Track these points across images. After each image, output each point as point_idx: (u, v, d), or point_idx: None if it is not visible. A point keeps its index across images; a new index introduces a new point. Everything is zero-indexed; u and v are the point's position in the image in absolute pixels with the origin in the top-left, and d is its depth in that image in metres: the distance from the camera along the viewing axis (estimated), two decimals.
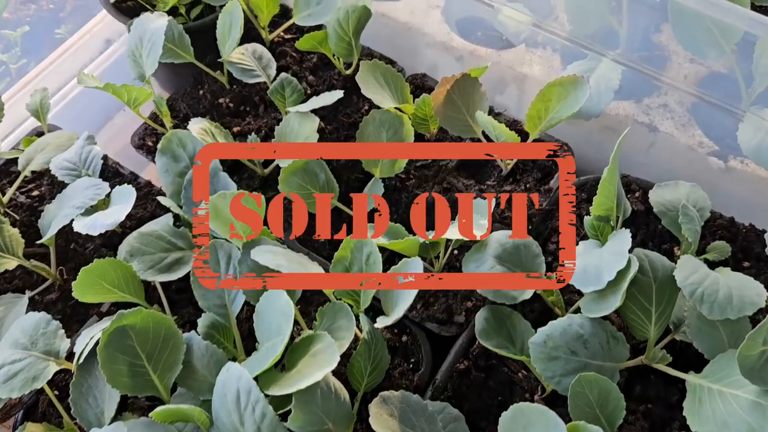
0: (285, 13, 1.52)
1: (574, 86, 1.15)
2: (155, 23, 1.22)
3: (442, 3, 1.50)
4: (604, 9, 1.27)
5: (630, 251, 0.96)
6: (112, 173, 1.32)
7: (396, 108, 1.21)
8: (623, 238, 0.99)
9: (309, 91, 1.39)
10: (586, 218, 1.08)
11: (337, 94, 1.17)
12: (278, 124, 1.34)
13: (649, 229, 1.23)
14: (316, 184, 1.17)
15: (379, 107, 1.20)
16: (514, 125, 1.35)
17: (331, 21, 1.28)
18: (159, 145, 1.16)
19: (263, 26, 1.41)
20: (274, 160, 1.25)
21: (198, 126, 1.14)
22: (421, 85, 1.42)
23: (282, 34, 1.46)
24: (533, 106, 1.18)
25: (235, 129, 1.35)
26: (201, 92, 1.41)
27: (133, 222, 1.24)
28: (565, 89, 1.15)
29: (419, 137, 1.32)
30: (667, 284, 0.98)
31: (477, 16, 1.45)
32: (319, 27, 1.33)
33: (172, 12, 1.38)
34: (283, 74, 1.28)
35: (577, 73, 1.30)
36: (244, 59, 1.29)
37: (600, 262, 0.98)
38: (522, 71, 1.40)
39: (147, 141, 1.35)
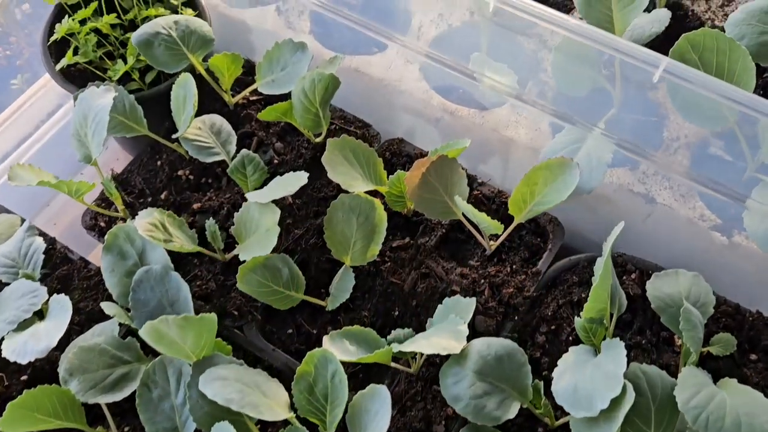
0: (250, 70, 1.41)
1: (563, 170, 1.04)
2: (100, 100, 1.10)
3: (420, 57, 1.38)
4: (596, 76, 1.16)
5: (627, 357, 0.86)
6: (60, 259, 1.21)
7: (368, 192, 1.10)
8: (617, 353, 0.89)
9: (276, 160, 1.28)
10: (577, 320, 0.98)
11: (301, 179, 1.06)
12: (242, 200, 1.23)
13: (647, 316, 1.13)
14: (279, 281, 1.06)
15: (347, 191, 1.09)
16: (499, 196, 1.24)
17: (296, 91, 1.16)
18: (105, 240, 1.04)
19: (225, 89, 1.29)
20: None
21: (146, 221, 1.02)
22: (397, 151, 1.30)
23: (247, 95, 1.35)
24: (518, 190, 1.07)
25: (195, 206, 1.24)
26: (159, 163, 1.30)
27: (81, 317, 1.13)
28: (553, 173, 1.04)
29: (396, 215, 1.21)
30: (668, 404, 0.88)
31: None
32: (285, 96, 1.22)
33: (126, 77, 1.26)
34: (243, 151, 1.16)
35: (566, 143, 1.19)
36: (200, 135, 1.18)
37: (592, 385, 0.87)
38: (507, 134, 1.29)
39: (99, 221, 1.23)
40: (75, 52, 1.27)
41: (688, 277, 1.04)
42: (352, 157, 1.14)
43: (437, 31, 1.37)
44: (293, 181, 1.05)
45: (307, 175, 1.08)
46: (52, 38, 1.25)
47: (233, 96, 1.32)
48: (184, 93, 1.15)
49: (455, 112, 1.33)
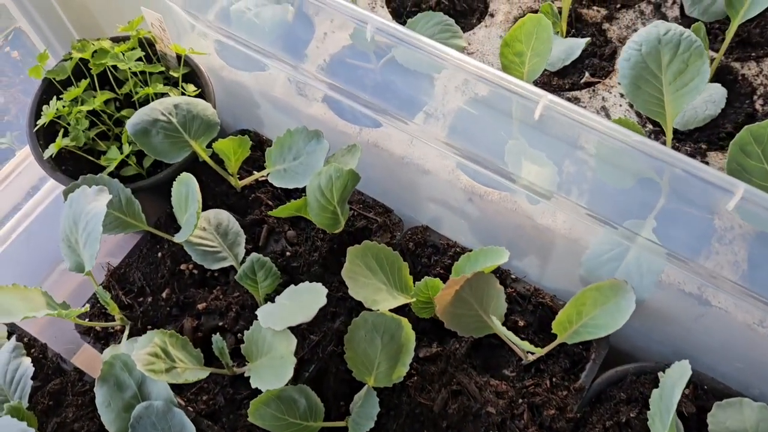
0: (258, 145, 1.29)
1: (615, 292, 0.92)
2: (93, 205, 0.98)
3: (446, 131, 1.26)
4: (644, 169, 1.03)
5: None
6: (52, 370, 1.10)
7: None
8: None
9: (289, 251, 1.16)
10: None
11: (319, 297, 0.94)
12: (252, 300, 1.12)
13: None
14: (296, 413, 0.95)
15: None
16: (535, 295, 1.13)
17: (311, 187, 1.04)
18: (100, 371, 0.93)
19: (231, 173, 1.17)
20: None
21: (144, 352, 0.91)
22: (422, 241, 1.19)
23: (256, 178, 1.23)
24: (564, 312, 0.95)
25: (200, 306, 1.12)
26: (159, 255, 1.18)
27: None
28: (603, 294, 0.93)
29: (421, 321, 1.09)
30: None
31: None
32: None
33: (122, 164, 1.14)
34: (253, 256, 1.04)
35: (611, 244, 1.07)
36: (205, 239, 1.06)
37: None
38: (543, 223, 1.17)
39: (94, 326, 1.12)
40: (65, 133, 1.15)
41: (755, 410, 0.93)
42: (375, 265, 1.02)
43: (462, 112, 1.25)
44: (311, 302, 0.93)
45: (326, 292, 0.96)
46: (39, 123, 1.13)
47: (240, 178, 1.20)
48: (186, 192, 1.03)
49: (485, 196, 1.20)
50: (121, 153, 1.12)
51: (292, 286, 1.01)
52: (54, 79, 1.19)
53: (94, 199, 1.00)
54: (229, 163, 1.16)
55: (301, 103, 1.31)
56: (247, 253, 1.10)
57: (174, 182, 1.05)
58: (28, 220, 1.36)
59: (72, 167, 1.19)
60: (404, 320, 0.97)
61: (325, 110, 1.31)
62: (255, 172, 1.26)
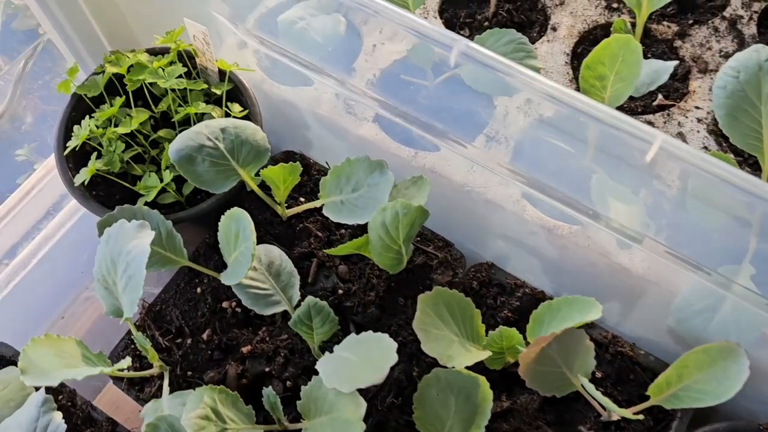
0: (305, 169, 1.18)
1: (725, 356, 0.82)
2: (134, 243, 0.88)
3: (509, 156, 1.16)
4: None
5: None
6: (81, 420, 0.99)
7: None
8: None
9: (341, 289, 1.06)
10: None
11: (389, 354, 0.84)
12: (302, 344, 1.02)
13: None
14: None
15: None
16: (614, 344, 1.03)
17: (374, 224, 0.94)
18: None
19: (279, 201, 1.07)
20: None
21: (194, 415, 0.80)
22: (487, 280, 1.08)
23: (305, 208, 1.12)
24: (663, 376, 0.85)
25: (245, 349, 1.02)
26: (198, 290, 1.07)
27: None
28: (711, 357, 0.82)
29: (489, 371, 0.99)
30: None
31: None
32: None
33: (160, 190, 1.03)
34: (309, 300, 0.94)
35: (705, 292, 0.97)
36: (256, 280, 0.95)
37: None
38: (619, 261, 1.06)
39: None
40: (98, 155, 1.04)
41: None
42: (446, 314, 0.92)
43: (527, 135, 1.15)
44: (380, 359, 0.83)
45: (396, 346, 0.85)
46: (70, 145, 1.02)
47: (287, 206, 1.10)
48: (236, 229, 0.92)
49: (554, 230, 1.10)
50: (161, 181, 1.01)
51: (353, 335, 0.90)
52: (85, 95, 1.08)
53: (135, 237, 0.89)
54: (278, 191, 1.05)
55: (350, 123, 1.21)
56: None
57: (222, 217, 0.94)
58: (49, 244, 1.26)
59: (103, 192, 1.09)
60: (482, 379, 0.87)
61: (376, 131, 1.21)
62: (302, 199, 1.15)
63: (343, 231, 1.13)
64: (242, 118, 1.07)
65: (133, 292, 0.86)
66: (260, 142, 1.01)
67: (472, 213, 1.15)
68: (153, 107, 1.11)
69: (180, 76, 1.04)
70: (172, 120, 1.07)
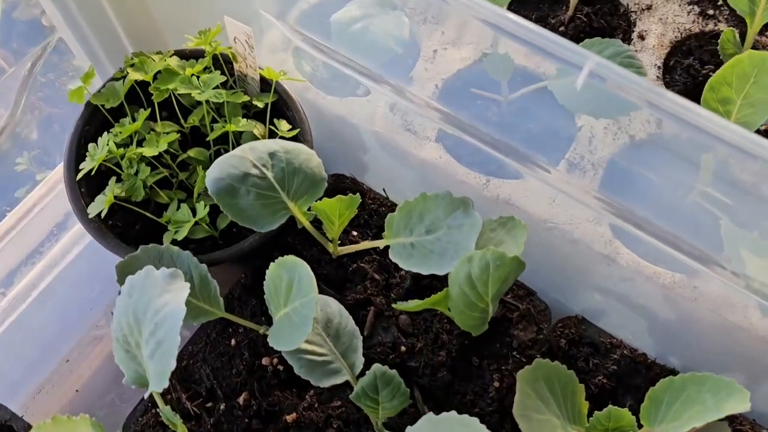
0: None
1: None
2: (166, 299, 0.70)
3: (596, 186, 0.98)
4: None
5: None
6: None
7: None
8: None
9: (403, 346, 0.88)
10: None
11: None
12: (358, 413, 0.85)
13: None
14: None
15: None
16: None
17: (456, 276, 0.76)
18: None
19: (331, 238, 0.89)
20: None
21: None
22: (577, 338, 0.91)
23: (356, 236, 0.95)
24: None
25: (289, 417, 0.85)
26: (233, 343, 0.90)
27: None
28: None
29: None
30: None
31: None
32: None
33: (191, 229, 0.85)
34: (376, 368, 0.77)
35: None
36: (311, 342, 0.78)
37: None
38: (733, 320, 0.89)
39: None
40: (118, 179, 0.86)
41: None
42: (547, 392, 0.74)
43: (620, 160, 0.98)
44: None
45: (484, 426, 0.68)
46: (83, 169, 0.84)
47: (340, 243, 0.92)
48: (289, 279, 0.75)
49: (653, 277, 0.93)
50: (193, 213, 0.83)
51: (431, 416, 0.73)
52: (102, 106, 0.90)
53: (166, 289, 0.72)
54: (330, 227, 0.88)
55: (409, 142, 1.03)
56: None
57: (273, 265, 0.77)
58: (52, 273, 1.08)
59: (121, 222, 0.91)
60: None
61: (440, 152, 1.03)
62: (354, 233, 0.98)
63: (403, 272, 0.95)
64: (291, 138, 0.90)
65: (164, 362, 0.69)
66: (315, 171, 0.83)
67: (556, 255, 0.97)
68: (182, 121, 0.93)
69: (218, 87, 0.86)
70: (207, 139, 0.89)
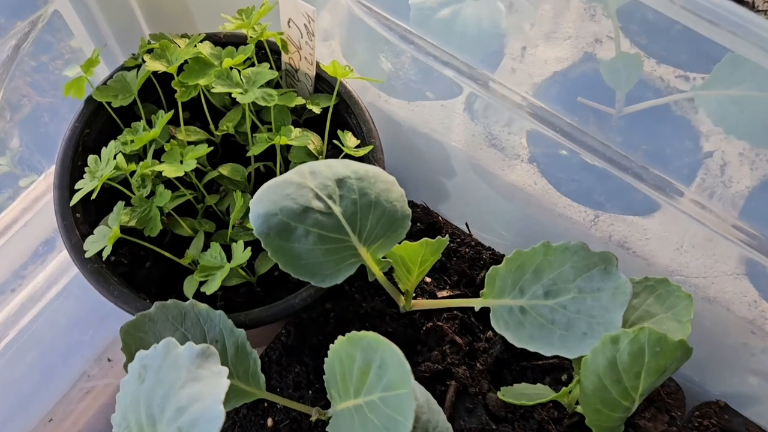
0: (433, 232, 0.79)
1: None
2: (196, 391, 0.48)
3: (735, 217, 0.77)
4: None
5: None
6: None
7: None
8: None
9: None
10: None
11: None
12: None
13: None
14: None
15: None
16: None
17: (594, 363, 0.55)
18: None
19: (406, 290, 0.67)
20: None
21: None
22: (719, 430, 0.70)
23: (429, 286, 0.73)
24: None
25: None
26: (270, 422, 0.68)
27: None
28: None
29: None
30: None
31: None
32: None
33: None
34: None
35: None
36: None
37: None
38: None
39: None
40: (126, 203, 0.64)
41: None
42: None
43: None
44: None
45: None
46: (80, 191, 0.62)
47: (408, 300, 0.70)
48: (364, 362, 0.53)
49: None
50: (228, 259, 0.61)
51: None
52: (108, 104, 0.67)
53: (194, 376, 0.50)
54: (406, 276, 0.66)
55: (495, 162, 0.81)
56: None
57: (341, 341, 0.55)
58: (35, 307, 0.86)
59: (126, 258, 0.69)
60: None
61: (534, 176, 0.81)
62: (427, 279, 0.76)
63: (490, 333, 0.74)
64: (361, 157, 0.67)
65: None
66: (397, 206, 0.61)
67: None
68: (211, 126, 0.71)
69: (268, 84, 0.64)
70: (248, 155, 0.67)
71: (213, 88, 0.63)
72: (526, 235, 0.80)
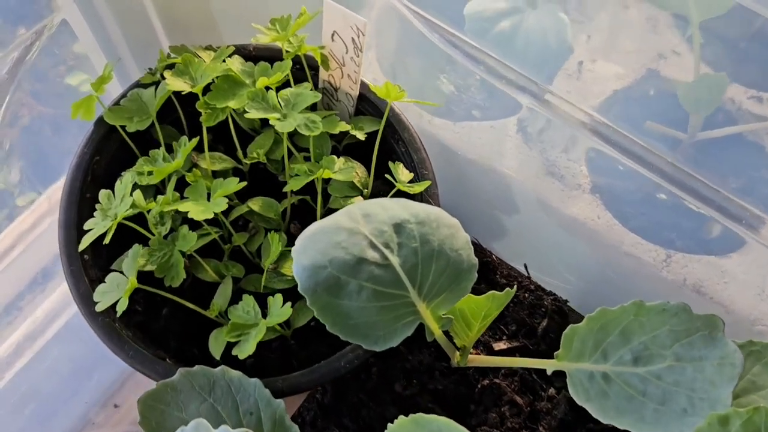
0: (485, 273, 0.70)
1: None
2: None
3: None
4: None
5: None
6: None
7: None
8: None
9: None
10: None
11: None
12: None
13: None
14: None
15: None
16: None
17: None
18: None
19: (463, 345, 0.59)
20: None
21: None
22: None
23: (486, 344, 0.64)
24: None
25: None
26: None
27: None
28: None
29: None
30: None
31: None
32: None
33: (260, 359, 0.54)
34: None
35: None
36: None
37: None
38: None
39: None
40: (141, 242, 0.55)
41: None
42: None
43: None
44: None
45: None
46: (89, 233, 0.52)
47: (463, 356, 0.61)
48: None
49: None
50: (264, 315, 0.52)
51: None
52: (122, 128, 0.58)
53: None
54: (464, 332, 0.57)
55: (553, 192, 0.73)
56: None
57: (403, 422, 0.46)
58: (31, 348, 0.77)
59: (141, 304, 0.60)
60: None
61: (597, 209, 0.72)
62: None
63: (553, 391, 0.65)
64: (415, 194, 0.58)
65: None
66: (463, 255, 0.52)
67: None
68: (239, 152, 0.62)
69: (312, 108, 0.55)
70: (285, 189, 0.58)
71: (250, 113, 0.53)
72: (592, 278, 0.71)
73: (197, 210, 0.51)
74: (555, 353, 0.55)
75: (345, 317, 0.50)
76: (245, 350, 0.50)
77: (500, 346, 0.65)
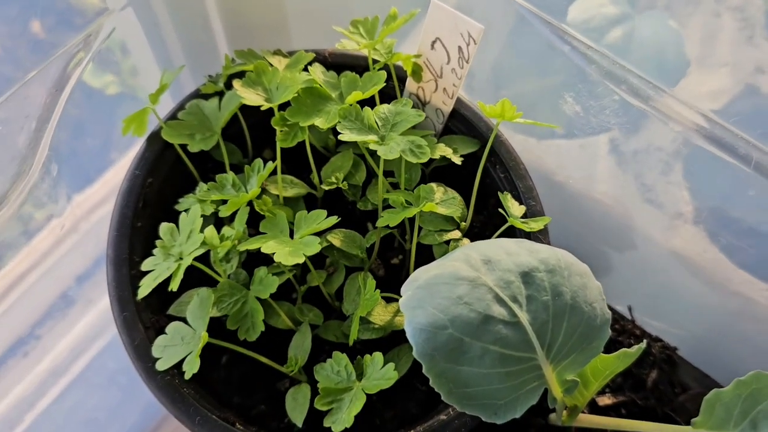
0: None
1: None
2: None
3: None
4: None
5: None
6: None
7: None
8: None
9: None
10: None
11: None
12: None
13: None
14: None
15: None
16: None
17: None
18: None
19: (575, 406, 0.50)
20: None
21: None
22: None
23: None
24: None
25: None
26: None
27: None
28: None
29: None
30: None
31: None
32: None
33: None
34: None
35: None
36: None
37: None
38: None
39: None
40: (203, 280, 0.46)
41: None
42: None
43: None
44: None
45: None
46: (150, 281, 0.43)
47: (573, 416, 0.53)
48: None
49: None
50: (359, 377, 0.44)
51: None
52: (181, 147, 0.49)
53: None
54: (581, 393, 0.49)
55: (652, 222, 0.64)
56: None
57: None
58: (57, 385, 0.68)
59: (205, 361, 0.51)
60: None
61: (702, 242, 0.64)
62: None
63: None
64: (533, 234, 0.50)
65: None
66: (597, 308, 0.44)
67: None
68: (314, 175, 0.53)
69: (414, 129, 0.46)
70: (377, 224, 0.50)
71: (344, 136, 0.45)
72: (703, 321, 0.63)
73: (283, 252, 0.42)
74: (692, 420, 0.47)
75: (464, 384, 0.41)
76: (341, 423, 0.42)
77: (605, 401, 0.57)
